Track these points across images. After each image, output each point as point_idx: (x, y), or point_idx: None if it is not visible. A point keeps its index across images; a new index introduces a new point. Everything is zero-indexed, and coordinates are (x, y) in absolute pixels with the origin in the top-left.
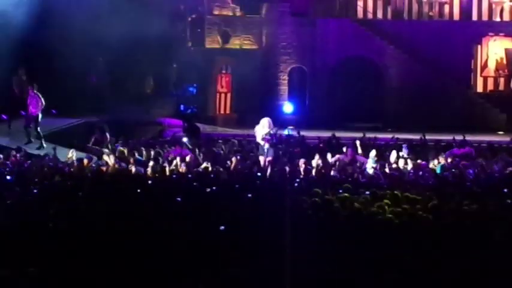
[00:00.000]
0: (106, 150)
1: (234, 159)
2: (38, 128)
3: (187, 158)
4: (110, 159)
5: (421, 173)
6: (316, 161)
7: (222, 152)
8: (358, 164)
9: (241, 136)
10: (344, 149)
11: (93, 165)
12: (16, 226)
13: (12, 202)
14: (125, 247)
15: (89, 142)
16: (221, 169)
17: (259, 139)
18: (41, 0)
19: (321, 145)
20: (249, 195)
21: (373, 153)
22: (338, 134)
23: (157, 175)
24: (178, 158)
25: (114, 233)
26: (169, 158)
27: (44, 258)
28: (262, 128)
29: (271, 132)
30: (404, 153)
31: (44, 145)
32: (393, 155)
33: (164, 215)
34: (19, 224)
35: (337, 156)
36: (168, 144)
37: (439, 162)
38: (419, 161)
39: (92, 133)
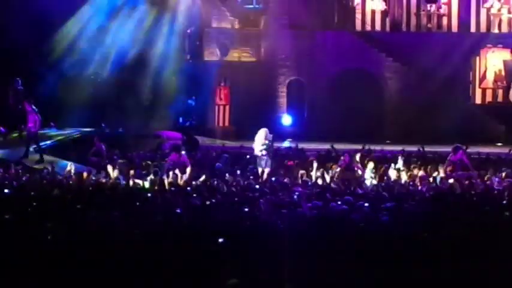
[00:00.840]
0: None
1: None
2: (38, 143)
3: (187, 170)
4: (112, 172)
5: (419, 184)
6: (315, 171)
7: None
8: (356, 174)
9: (239, 148)
10: (342, 158)
11: (93, 178)
12: (14, 240)
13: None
14: (122, 260)
15: (88, 155)
16: (220, 183)
17: (257, 151)
18: (39, 11)
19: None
20: (246, 209)
21: (370, 165)
22: (337, 146)
23: (156, 188)
24: (177, 170)
25: (112, 246)
26: (167, 167)
27: (42, 270)
28: (260, 139)
29: (268, 143)
30: (399, 164)
31: (44, 159)
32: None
33: (163, 228)
34: (17, 238)
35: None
36: (167, 157)
37: (438, 174)
38: (416, 172)
39: (91, 146)
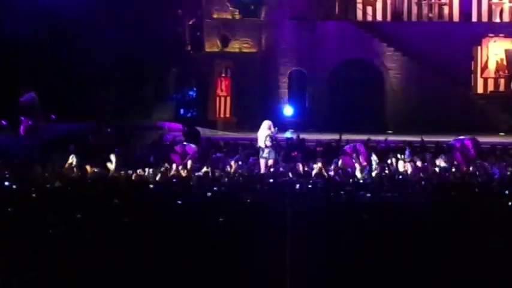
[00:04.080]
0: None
1: (233, 163)
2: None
3: (189, 164)
4: (111, 165)
5: (422, 175)
6: (318, 164)
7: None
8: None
9: (241, 139)
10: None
11: (96, 170)
12: (17, 232)
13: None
14: (125, 252)
15: (89, 147)
16: (221, 173)
17: (260, 142)
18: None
19: (319, 149)
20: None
21: (374, 156)
22: (337, 137)
23: (158, 180)
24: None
25: (115, 239)
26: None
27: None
28: (263, 130)
29: (272, 134)
30: (407, 157)
31: (47, 151)
32: (393, 158)
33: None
34: (20, 230)
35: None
36: (167, 148)
37: (439, 164)
38: (419, 163)
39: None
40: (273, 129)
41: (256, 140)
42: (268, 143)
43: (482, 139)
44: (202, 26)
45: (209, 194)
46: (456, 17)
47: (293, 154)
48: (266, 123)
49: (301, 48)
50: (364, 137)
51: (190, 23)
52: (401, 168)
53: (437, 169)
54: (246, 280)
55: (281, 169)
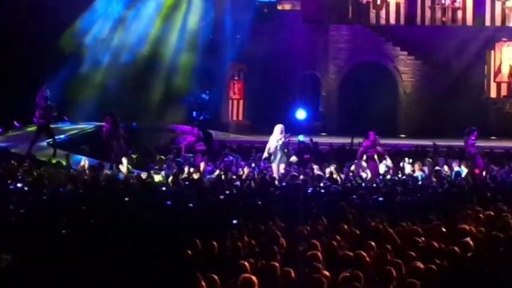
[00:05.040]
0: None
1: (246, 169)
2: (53, 137)
3: (202, 165)
4: (123, 167)
5: (434, 179)
6: (330, 168)
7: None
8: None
9: (254, 142)
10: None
11: (108, 172)
12: (29, 233)
13: (26, 210)
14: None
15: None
16: (234, 176)
17: (272, 147)
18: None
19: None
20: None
21: (388, 160)
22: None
23: (170, 182)
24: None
25: (124, 240)
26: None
27: (56, 265)
28: (275, 135)
29: (284, 139)
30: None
31: (57, 153)
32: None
33: (175, 222)
34: (32, 232)
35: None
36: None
37: (452, 168)
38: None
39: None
40: (284, 134)
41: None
42: (280, 148)
43: (495, 144)
44: (216, 28)
45: (222, 196)
46: (470, 21)
47: (305, 157)
48: (278, 128)
49: (314, 52)
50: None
51: (203, 25)
52: (410, 171)
53: (453, 173)
54: None
55: (293, 172)
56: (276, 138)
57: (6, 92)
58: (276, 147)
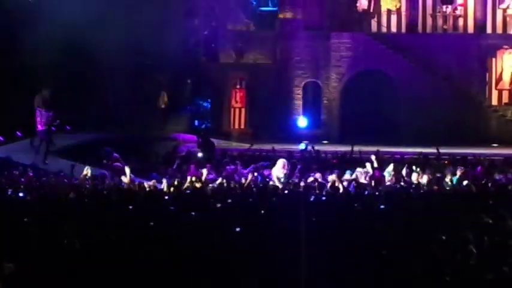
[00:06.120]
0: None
1: (250, 175)
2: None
3: (204, 173)
4: (125, 178)
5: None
6: (332, 176)
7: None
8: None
9: (256, 151)
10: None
11: (109, 182)
12: (32, 243)
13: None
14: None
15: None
16: (236, 185)
17: (275, 179)
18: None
19: (334, 160)
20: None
21: (390, 167)
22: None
23: (172, 191)
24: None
25: (127, 250)
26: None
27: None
28: (277, 170)
29: (286, 174)
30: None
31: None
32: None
33: (179, 231)
34: (35, 241)
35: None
36: (183, 160)
37: (454, 175)
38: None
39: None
40: (287, 168)
41: (271, 151)
42: (282, 181)
43: (496, 151)
44: (217, 37)
45: (219, 205)
46: (471, 28)
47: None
48: (281, 163)
49: (316, 60)
50: (379, 149)
51: (205, 33)
52: (415, 180)
53: (454, 180)
54: None
55: (296, 180)
56: (278, 173)
57: (7, 100)
58: (279, 182)
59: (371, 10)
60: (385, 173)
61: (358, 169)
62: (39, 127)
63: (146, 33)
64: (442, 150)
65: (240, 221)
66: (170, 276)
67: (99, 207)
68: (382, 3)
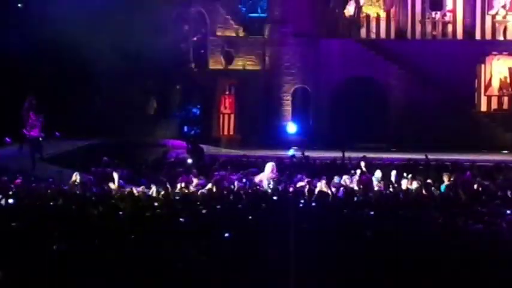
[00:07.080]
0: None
1: (237, 182)
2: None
3: (194, 181)
4: (113, 185)
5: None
6: (321, 182)
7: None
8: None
9: (244, 157)
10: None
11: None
12: (20, 248)
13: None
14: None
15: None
16: (225, 191)
17: (265, 185)
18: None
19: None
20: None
21: (378, 173)
22: (340, 154)
23: (161, 197)
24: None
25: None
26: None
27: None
28: (266, 173)
29: (275, 177)
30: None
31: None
32: (393, 174)
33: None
34: (23, 247)
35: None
36: (172, 166)
37: (443, 181)
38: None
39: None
40: (275, 173)
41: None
42: (272, 187)
43: (485, 157)
44: (206, 43)
45: (204, 211)
46: (460, 35)
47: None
48: (269, 166)
49: (305, 66)
50: (368, 155)
51: (194, 40)
52: (404, 186)
53: (442, 187)
54: None
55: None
56: (267, 176)
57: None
58: (268, 186)
59: (355, 16)
60: (373, 179)
61: (345, 176)
62: (32, 133)
63: (136, 39)
64: (430, 156)
65: (229, 227)
66: (159, 281)
67: (86, 213)
68: (364, 9)
